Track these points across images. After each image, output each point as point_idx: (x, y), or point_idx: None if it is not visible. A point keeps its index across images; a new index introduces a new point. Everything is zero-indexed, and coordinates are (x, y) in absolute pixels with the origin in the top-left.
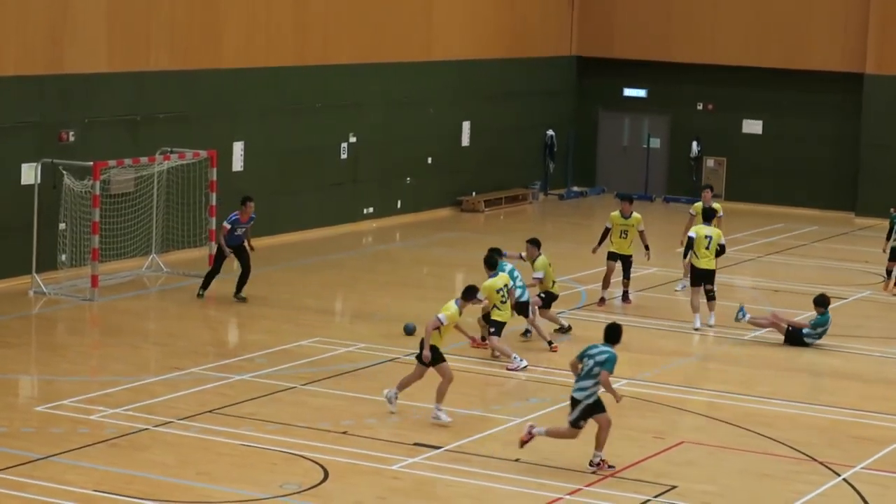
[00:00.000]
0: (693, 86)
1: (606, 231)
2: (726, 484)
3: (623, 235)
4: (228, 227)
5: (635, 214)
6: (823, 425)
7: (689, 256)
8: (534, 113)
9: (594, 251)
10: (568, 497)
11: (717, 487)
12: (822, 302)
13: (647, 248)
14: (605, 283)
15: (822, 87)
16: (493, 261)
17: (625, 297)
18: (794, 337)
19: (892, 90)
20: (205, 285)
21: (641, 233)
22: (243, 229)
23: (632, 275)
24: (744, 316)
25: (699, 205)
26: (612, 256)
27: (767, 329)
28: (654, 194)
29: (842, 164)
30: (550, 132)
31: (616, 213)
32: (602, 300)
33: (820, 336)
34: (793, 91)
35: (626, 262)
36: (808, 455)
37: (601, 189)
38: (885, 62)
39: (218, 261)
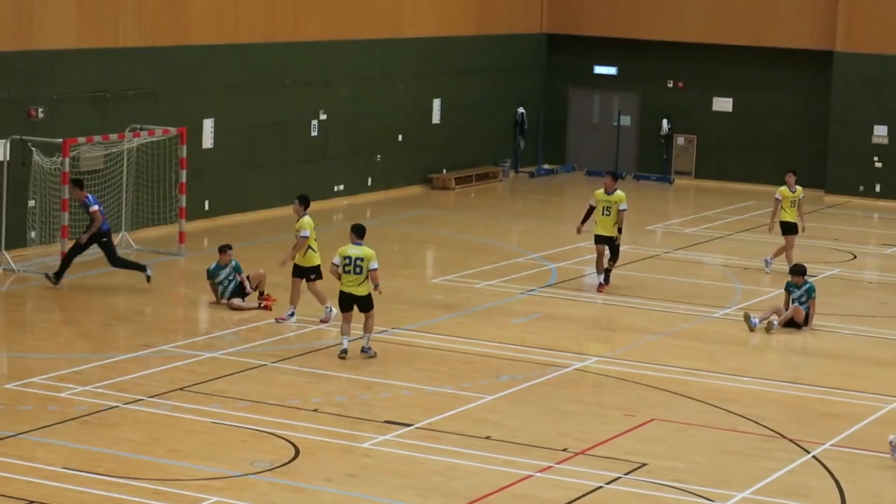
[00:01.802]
0: (663, 63)
1: (591, 209)
2: (696, 461)
3: (606, 212)
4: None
5: (619, 192)
6: (790, 402)
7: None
8: (504, 90)
9: (579, 231)
10: (538, 474)
11: (687, 465)
12: (798, 271)
13: (619, 230)
14: (599, 267)
15: (792, 64)
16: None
17: (606, 277)
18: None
19: (861, 67)
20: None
21: (621, 212)
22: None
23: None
24: (755, 323)
25: (784, 189)
26: (599, 239)
27: (781, 318)
28: (625, 172)
29: (811, 141)
30: (521, 109)
31: (600, 191)
32: (601, 285)
33: (805, 301)
34: (762, 68)
35: (612, 243)
36: (776, 432)
37: (571, 166)
38: (854, 39)
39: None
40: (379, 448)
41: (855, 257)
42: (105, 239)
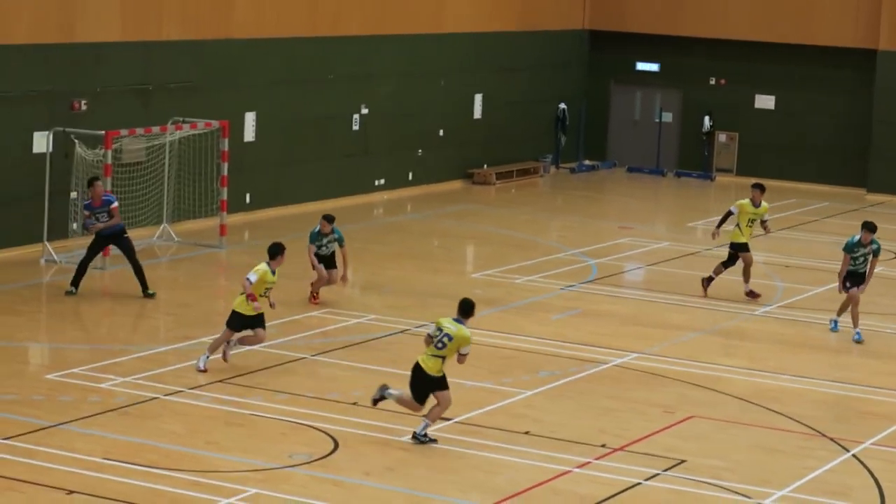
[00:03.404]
0: (705, 60)
1: (728, 214)
2: (735, 459)
3: (750, 224)
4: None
5: (764, 204)
6: (831, 401)
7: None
8: (545, 86)
9: (714, 235)
10: (577, 470)
11: (726, 462)
12: (870, 227)
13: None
14: (746, 277)
15: (835, 62)
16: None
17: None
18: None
19: None
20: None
21: (764, 223)
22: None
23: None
24: (835, 326)
25: (746, 203)
26: (739, 247)
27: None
28: (666, 169)
29: (853, 140)
30: (562, 105)
31: (745, 201)
32: (751, 292)
33: (865, 260)
34: (805, 66)
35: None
36: (816, 430)
37: (612, 163)
38: None
39: None
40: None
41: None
42: (125, 235)
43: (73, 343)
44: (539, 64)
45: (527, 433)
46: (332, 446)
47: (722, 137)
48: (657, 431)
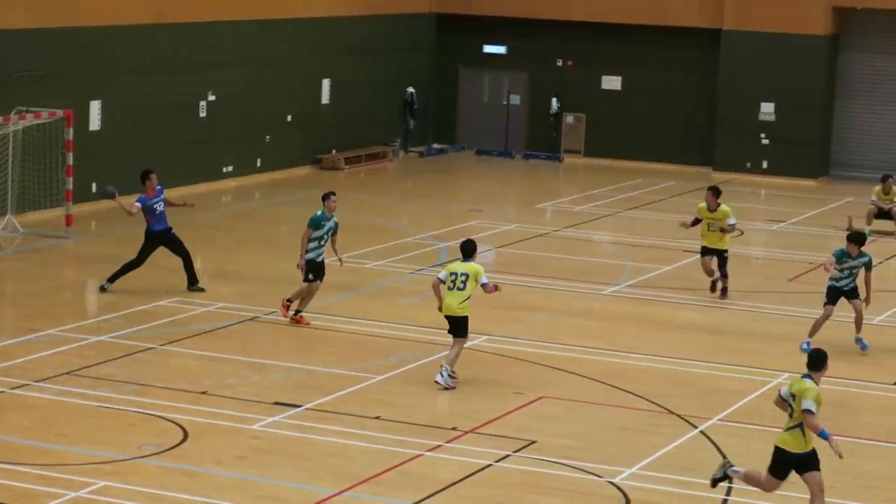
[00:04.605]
0: (553, 42)
1: (696, 221)
2: (586, 438)
3: (711, 229)
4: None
5: (723, 207)
6: (681, 378)
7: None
8: (394, 70)
9: (684, 224)
10: (429, 454)
11: (577, 442)
12: (857, 239)
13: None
14: (710, 278)
15: (681, 42)
16: None
17: (723, 292)
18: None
19: (749, 46)
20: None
21: (724, 229)
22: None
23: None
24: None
25: (703, 207)
26: (705, 251)
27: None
28: (514, 151)
29: (700, 119)
30: (410, 89)
31: (703, 205)
32: (714, 284)
33: (851, 275)
34: (651, 47)
35: (721, 255)
36: (666, 408)
37: (461, 146)
38: (743, 18)
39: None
40: (269, 430)
41: (742, 233)
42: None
43: None
44: (387, 48)
45: (377, 418)
46: (181, 436)
47: (569, 119)
48: (508, 413)
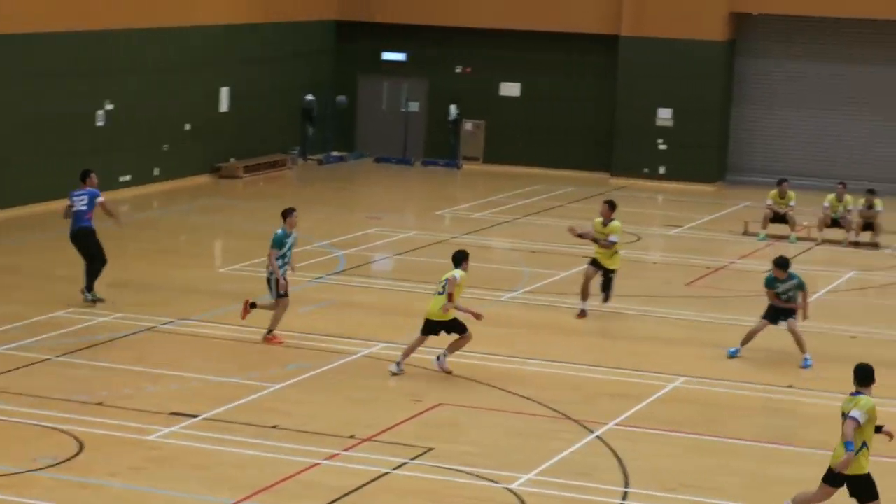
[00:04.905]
0: (452, 49)
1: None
2: (483, 444)
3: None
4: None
5: (614, 223)
6: (579, 383)
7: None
8: (293, 78)
9: (572, 231)
10: (326, 462)
11: (474, 448)
12: (782, 264)
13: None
14: (584, 293)
15: (579, 48)
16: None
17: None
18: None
19: (647, 52)
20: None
21: (608, 242)
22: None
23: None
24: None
25: (598, 222)
26: (594, 262)
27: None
28: (413, 158)
29: (598, 124)
30: (310, 97)
31: (598, 220)
32: (583, 312)
33: (790, 299)
34: (550, 53)
35: (607, 275)
36: (563, 413)
37: (360, 154)
38: (640, 24)
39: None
40: (165, 440)
41: (639, 238)
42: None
43: None
44: (286, 55)
45: (274, 427)
46: (77, 448)
47: (468, 125)
48: (405, 420)
